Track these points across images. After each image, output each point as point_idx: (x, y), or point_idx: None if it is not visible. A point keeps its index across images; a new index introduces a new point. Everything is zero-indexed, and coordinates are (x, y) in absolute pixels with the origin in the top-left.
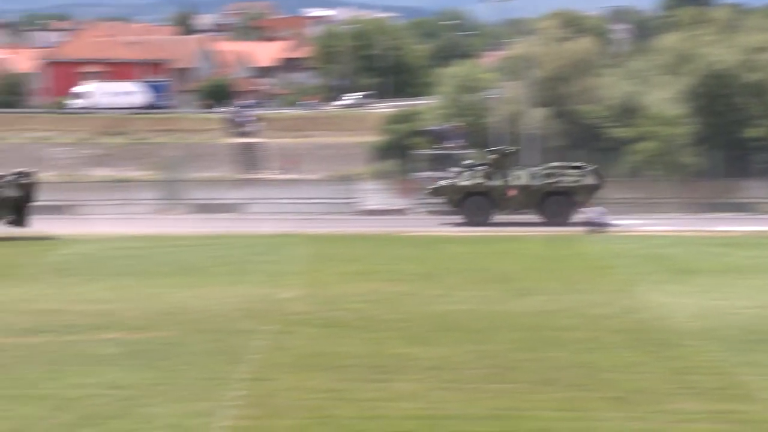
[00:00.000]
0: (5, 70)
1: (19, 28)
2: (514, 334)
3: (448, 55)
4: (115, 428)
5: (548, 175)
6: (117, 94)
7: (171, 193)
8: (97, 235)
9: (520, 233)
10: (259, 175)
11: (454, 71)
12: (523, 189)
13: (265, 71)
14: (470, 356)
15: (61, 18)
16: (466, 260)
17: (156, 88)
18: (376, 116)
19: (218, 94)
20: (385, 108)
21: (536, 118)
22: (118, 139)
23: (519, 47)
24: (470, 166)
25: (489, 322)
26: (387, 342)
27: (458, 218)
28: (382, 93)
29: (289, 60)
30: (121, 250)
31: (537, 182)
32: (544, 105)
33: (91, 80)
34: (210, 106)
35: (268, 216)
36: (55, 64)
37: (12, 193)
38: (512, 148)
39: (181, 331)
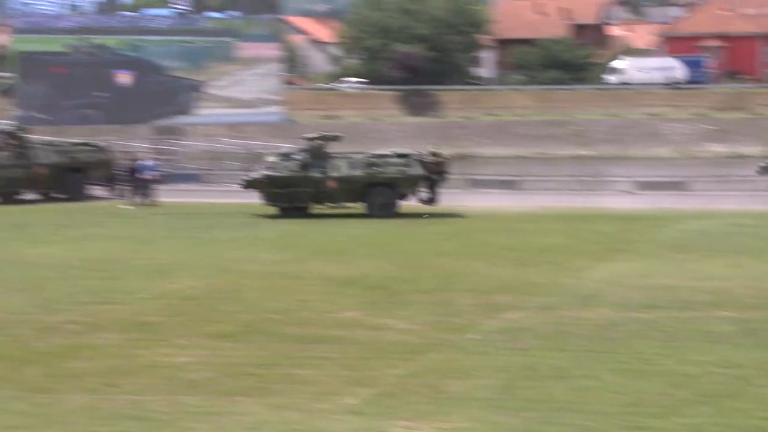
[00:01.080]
0: (624, 47)
1: (639, 5)
2: None
3: None
4: (730, 407)
5: None
6: (651, 69)
7: None
8: (714, 212)
9: None
10: None
11: None
12: None
13: None
14: None
15: None
16: None
17: (691, 64)
18: None
19: None
20: None
21: None
22: (736, 114)
23: None
24: None
25: None
26: None
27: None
28: None
29: None
30: (737, 227)
31: None
32: None
33: (707, 55)
34: None
35: None
36: (672, 40)
37: (417, 171)
38: None
39: None
